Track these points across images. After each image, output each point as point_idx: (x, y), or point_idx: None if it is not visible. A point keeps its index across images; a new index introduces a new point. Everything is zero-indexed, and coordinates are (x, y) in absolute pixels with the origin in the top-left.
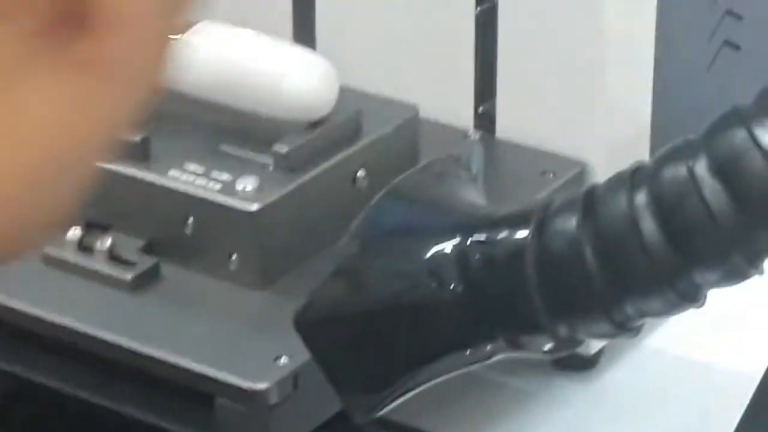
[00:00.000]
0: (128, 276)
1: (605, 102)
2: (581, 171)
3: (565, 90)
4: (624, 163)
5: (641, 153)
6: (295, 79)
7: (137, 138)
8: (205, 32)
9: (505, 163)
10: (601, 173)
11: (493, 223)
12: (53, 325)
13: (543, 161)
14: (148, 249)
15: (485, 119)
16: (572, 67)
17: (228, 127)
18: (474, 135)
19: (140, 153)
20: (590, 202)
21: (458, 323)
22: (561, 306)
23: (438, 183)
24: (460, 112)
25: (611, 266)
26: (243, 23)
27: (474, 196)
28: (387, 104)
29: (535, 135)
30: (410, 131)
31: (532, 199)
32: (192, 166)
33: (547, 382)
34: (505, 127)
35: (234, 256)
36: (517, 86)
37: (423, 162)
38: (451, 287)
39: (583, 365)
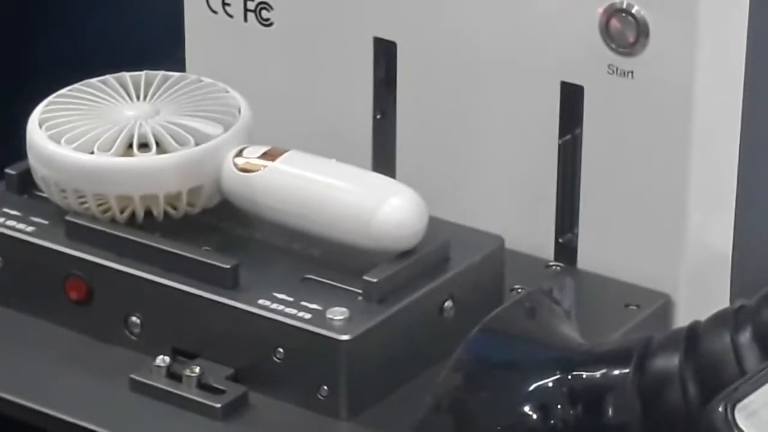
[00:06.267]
0: (218, 404)
1: (689, 234)
2: (665, 303)
3: (648, 221)
4: (706, 295)
5: (722, 285)
6: (388, 211)
7: (227, 266)
8: (294, 162)
9: (587, 294)
10: (683, 305)
11: (593, 359)
12: None
13: (626, 293)
14: (236, 377)
15: (566, 250)
16: (655, 198)
17: (317, 257)
18: (555, 266)
19: (229, 281)
20: (692, 340)
21: None
22: None
23: (533, 317)
24: (542, 242)
25: None
26: (323, 152)
27: (568, 330)
28: (473, 234)
29: (616, 266)
30: (496, 262)
31: (632, 336)
32: (281, 295)
33: None
34: (587, 257)
35: (323, 386)
36: (599, 217)
37: (506, 292)
38: (553, 421)
39: None
